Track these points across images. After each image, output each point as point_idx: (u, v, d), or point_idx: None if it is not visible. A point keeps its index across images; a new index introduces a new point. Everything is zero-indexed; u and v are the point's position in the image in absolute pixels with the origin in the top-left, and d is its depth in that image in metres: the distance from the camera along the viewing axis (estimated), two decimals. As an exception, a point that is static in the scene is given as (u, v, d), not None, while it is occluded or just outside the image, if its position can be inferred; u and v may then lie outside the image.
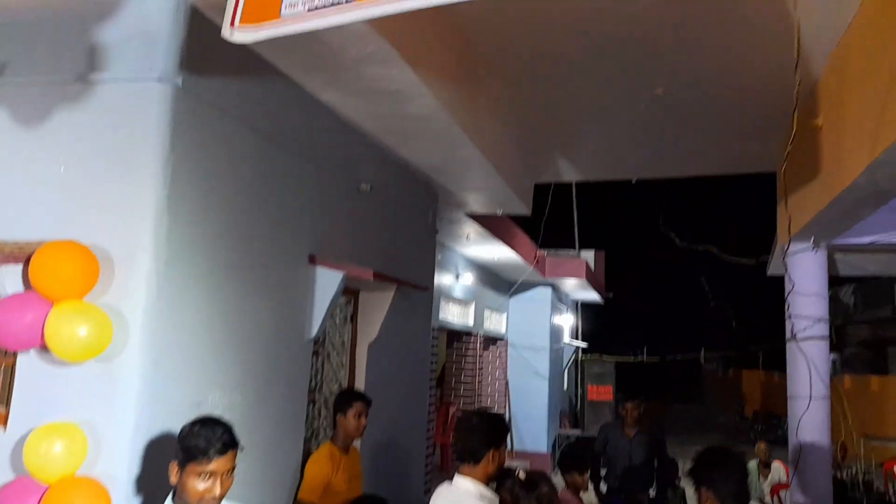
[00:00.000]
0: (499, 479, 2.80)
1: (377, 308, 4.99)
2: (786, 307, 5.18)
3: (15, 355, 2.79)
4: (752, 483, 8.66)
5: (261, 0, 2.30)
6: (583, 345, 16.14)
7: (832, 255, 5.47)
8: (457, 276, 9.24)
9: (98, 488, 2.56)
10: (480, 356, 11.51)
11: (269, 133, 3.51)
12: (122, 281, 2.73)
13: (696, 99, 4.57)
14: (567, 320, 14.75)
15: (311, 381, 4.20)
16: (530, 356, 12.53)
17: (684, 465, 3.33)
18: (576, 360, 16.12)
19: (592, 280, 13.17)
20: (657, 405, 24.75)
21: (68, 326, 2.56)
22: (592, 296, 14.82)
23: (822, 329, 5.16)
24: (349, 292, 4.88)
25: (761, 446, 9.36)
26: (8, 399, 2.78)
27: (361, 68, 3.42)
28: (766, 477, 9.05)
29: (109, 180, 2.80)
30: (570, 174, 6.84)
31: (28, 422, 2.65)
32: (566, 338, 14.74)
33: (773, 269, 6.39)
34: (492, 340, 12.12)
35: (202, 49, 2.97)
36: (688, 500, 5.64)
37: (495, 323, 11.93)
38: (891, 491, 9.55)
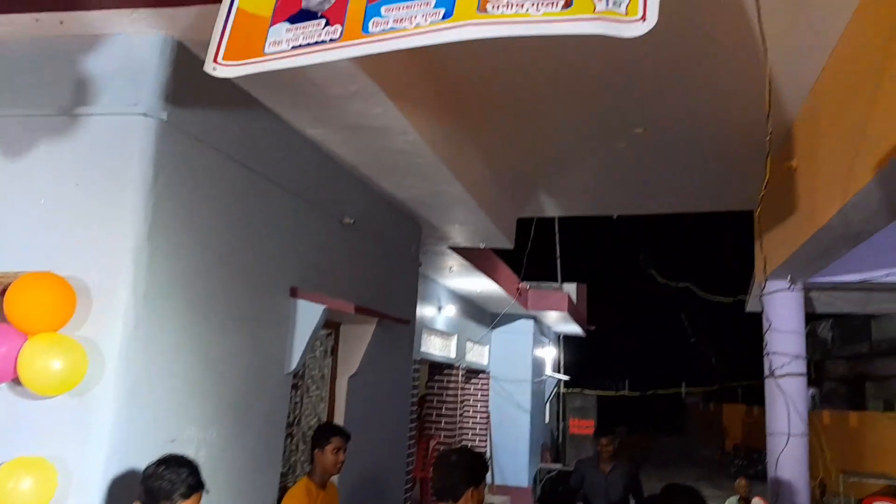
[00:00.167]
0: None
1: (358, 341, 4.97)
2: (764, 344, 5.24)
3: (-14, 388, 2.73)
4: (733, 519, 8.59)
5: (245, 37, 2.34)
6: (565, 378, 16.12)
7: (808, 293, 5.56)
8: (439, 308, 9.23)
9: (67, 527, 2.50)
10: (462, 388, 11.44)
11: (252, 166, 3.52)
12: (100, 313, 2.70)
13: (674, 139, 4.68)
14: (549, 353, 14.75)
15: (289, 415, 4.15)
16: (512, 389, 12.48)
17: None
18: (558, 394, 16.07)
19: (574, 313, 13.22)
20: (641, 438, 24.69)
21: (42, 359, 2.52)
22: (575, 329, 14.86)
23: (800, 366, 5.22)
24: (330, 325, 4.86)
25: (742, 482, 9.33)
26: (-24, 433, 2.72)
27: (346, 105, 3.47)
28: (746, 513, 9.00)
29: (90, 213, 2.79)
30: (552, 209, 6.93)
31: (-4, 457, 2.59)
32: (548, 371, 14.72)
33: (751, 306, 6.48)
34: (474, 373, 12.06)
35: (188, 84, 3.00)
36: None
37: (477, 355, 11.90)
38: (870, 528, 9.54)
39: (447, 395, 11.17)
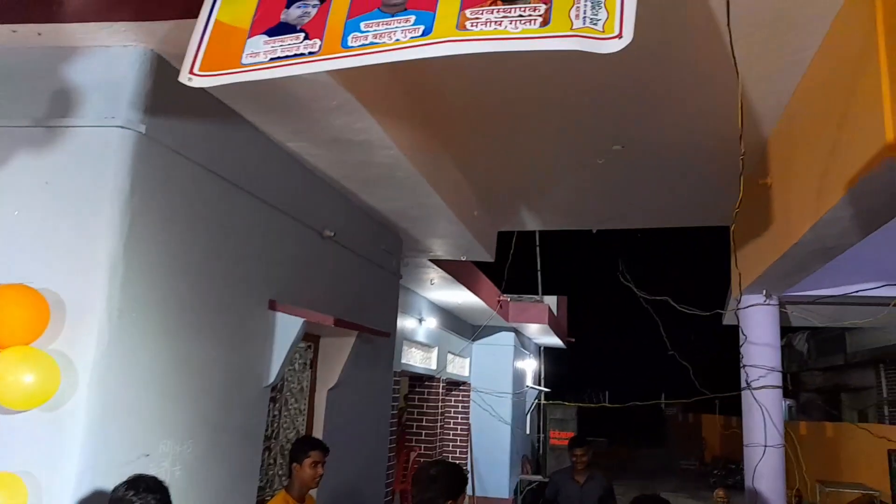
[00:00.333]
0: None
1: (338, 354, 4.95)
2: (740, 358, 5.31)
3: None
4: (712, 531, 8.65)
5: (222, 48, 2.34)
6: (545, 390, 16.15)
7: (784, 307, 5.65)
8: (420, 321, 9.22)
9: (36, 545, 2.45)
10: (443, 400, 11.41)
11: (231, 178, 3.51)
12: (73, 327, 2.67)
13: (651, 156, 4.75)
14: (530, 365, 14.78)
15: (267, 429, 4.12)
16: (493, 401, 12.47)
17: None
18: (538, 405, 16.09)
19: (555, 325, 13.28)
20: (621, 450, 24.78)
21: (14, 373, 2.48)
22: (555, 341, 14.91)
23: (776, 379, 5.29)
24: (309, 338, 4.83)
25: (720, 493, 9.40)
26: (-55, 449, 2.66)
27: (327, 119, 3.48)
28: (724, 524, 9.07)
29: (66, 225, 2.76)
30: (532, 223, 6.98)
31: (-35, 474, 2.54)
32: (529, 382, 14.74)
33: (727, 319, 6.56)
34: (455, 385, 12.05)
35: (167, 96, 2.99)
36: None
37: (458, 367, 11.89)
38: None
39: (428, 406, 11.13)
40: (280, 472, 4.50)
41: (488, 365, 12.64)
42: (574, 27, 1.92)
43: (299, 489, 3.56)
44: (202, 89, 3.16)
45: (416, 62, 2.15)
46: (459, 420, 12.20)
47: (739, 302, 5.18)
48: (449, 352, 11.02)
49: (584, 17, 1.92)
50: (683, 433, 27.83)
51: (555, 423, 14.87)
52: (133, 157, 2.83)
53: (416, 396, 11.13)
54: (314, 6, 2.34)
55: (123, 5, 2.80)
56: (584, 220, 6.86)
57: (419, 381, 10.91)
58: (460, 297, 9.38)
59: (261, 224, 3.83)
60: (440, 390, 11.12)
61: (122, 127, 2.83)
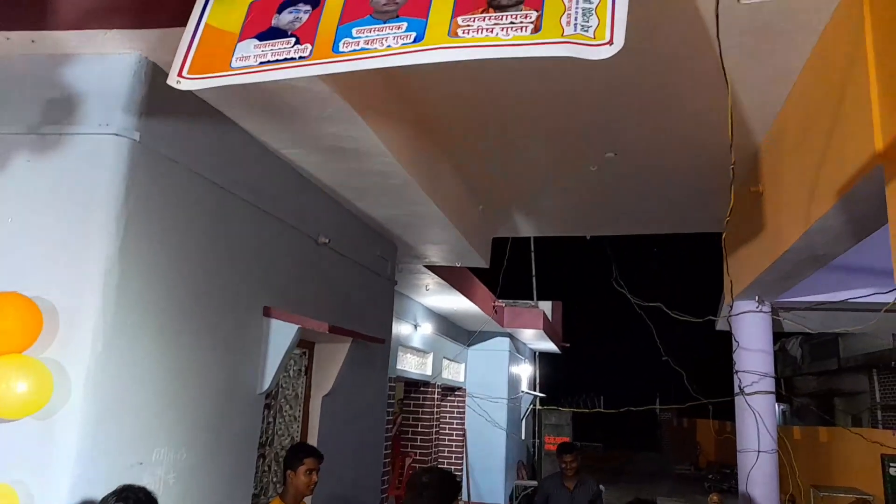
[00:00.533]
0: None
1: (333, 360, 4.94)
2: (733, 363, 5.33)
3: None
4: (706, 536, 8.66)
5: (211, 52, 2.34)
6: (541, 395, 16.15)
7: (776, 313, 5.68)
8: (415, 326, 9.22)
9: (29, 555, 2.44)
10: (438, 406, 11.40)
11: (226, 185, 3.51)
12: (67, 334, 2.66)
13: (644, 163, 4.77)
14: (525, 370, 14.78)
15: (261, 436, 4.11)
16: (488, 406, 12.46)
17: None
18: (533, 411, 16.09)
19: (550, 331, 13.29)
20: (616, 454, 24.79)
21: (6, 382, 2.47)
22: (550, 346, 14.92)
23: (769, 384, 5.31)
24: (304, 344, 4.83)
25: (714, 498, 9.42)
26: (-63, 458, 2.65)
27: (323, 127, 3.49)
28: (719, 530, 9.08)
29: (59, 232, 2.76)
30: (526, 229, 7.00)
31: (-43, 483, 2.53)
32: (524, 388, 14.74)
33: (721, 325, 6.58)
34: (450, 390, 12.04)
35: (161, 103, 3.00)
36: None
37: (454, 373, 11.88)
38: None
39: (423, 412, 11.12)
40: (274, 480, 4.49)
41: (483, 370, 12.64)
42: (565, 34, 1.94)
43: (294, 496, 3.55)
44: (196, 96, 3.20)
45: (411, 69, 2.16)
46: (455, 426, 12.19)
47: (732, 308, 5.20)
48: (444, 357, 11.02)
49: (575, 24, 1.93)
50: (678, 438, 27.85)
51: (550, 428, 14.87)
52: (127, 164, 2.83)
53: (412, 402, 11.12)
54: (306, 12, 2.35)
55: (117, 13, 2.81)
56: (578, 227, 6.88)
57: (414, 386, 10.91)
58: (455, 302, 9.38)
59: (256, 231, 3.83)
60: (435, 396, 11.11)
61: (115, 134, 2.83)
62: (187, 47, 2.38)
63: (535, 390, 15.73)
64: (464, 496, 11.60)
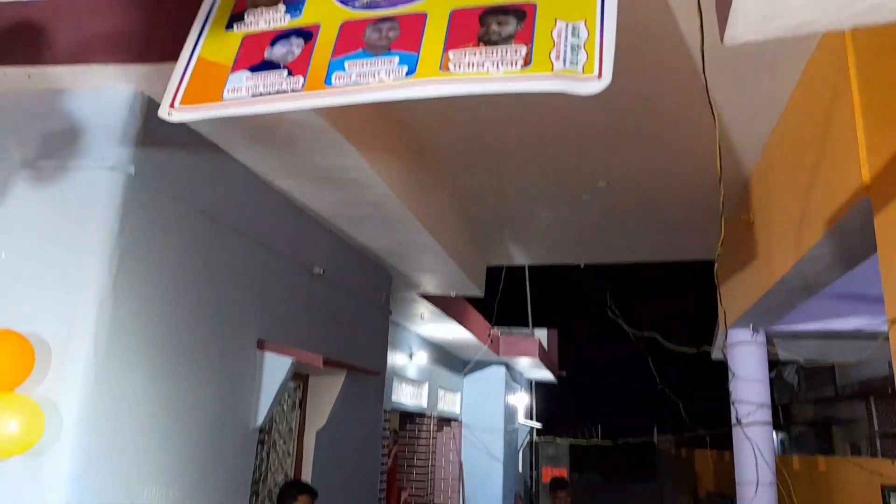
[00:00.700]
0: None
1: (327, 393, 4.90)
2: (730, 393, 5.31)
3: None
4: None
5: (203, 84, 2.36)
6: (537, 425, 16.00)
7: (771, 341, 5.67)
8: (410, 356, 9.17)
9: None
10: (434, 438, 11.28)
11: (221, 217, 3.52)
12: (59, 371, 2.64)
13: (636, 192, 4.81)
14: (521, 400, 14.67)
15: (255, 472, 4.05)
16: (484, 438, 12.34)
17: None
18: (530, 442, 15.92)
19: (546, 359, 13.23)
20: (614, 485, 24.46)
21: (-4, 420, 2.44)
22: (546, 375, 14.84)
23: (765, 414, 5.29)
24: (298, 377, 4.79)
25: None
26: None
27: (317, 159, 3.51)
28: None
29: (53, 267, 2.75)
30: (520, 258, 7.02)
31: (-58, 524, 2.48)
32: (521, 418, 14.61)
33: (716, 354, 6.58)
34: (446, 421, 11.92)
35: (157, 137, 3.01)
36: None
37: (449, 403, 11.78)
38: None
39: (419, 444, 11.00)
40: (267, 516, 4.41)
41: (479, 400, 12.55)
42: (555, 69, 1.96)
43: (287, 533, 3.49)
44: (191, 128, 3.22)
45: (405, 101, 2.18)
46: (451, 458, 12.04)
47: (727, 338, 5.20)
48: (440, 387, 10.94)
49: (565, 59, 1.96)
50: (677, 468, 27.51)
51: (547, 459, 14.71)
52: (122, 198, 2.84)
53: (407, 434, 11.00)
54: (298, 46, 2.37)
55: (113, 47, 2.84)
56: (571, 255, 6.91)
57: (410, 418, 10.80)
58: (451, 331, 9.35)
59: (250, 263, 3.83)
60: (431, 427, 11.00)
61: (110, 168, 2.85)
62: (179, 79, 2.39)
63: (531, 420, 15.58)
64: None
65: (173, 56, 2.58)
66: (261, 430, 4.09)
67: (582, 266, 7.06)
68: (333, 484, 4.89)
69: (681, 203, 4.99)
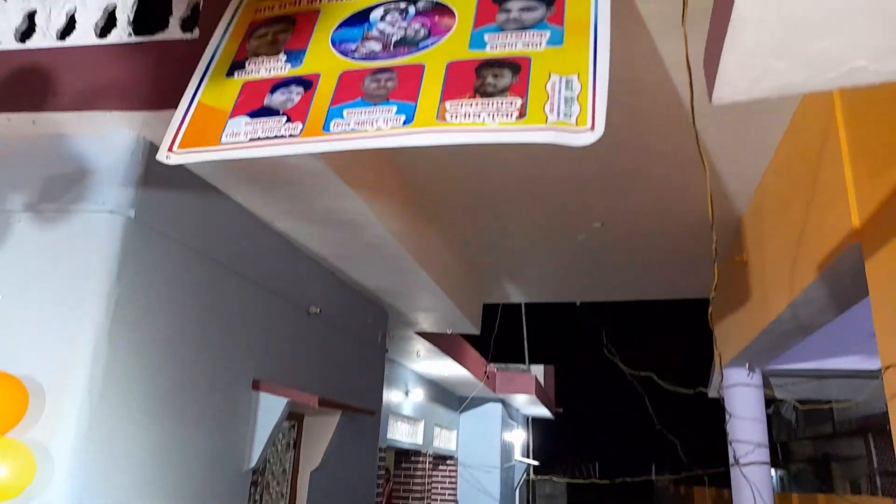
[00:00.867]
0: None
1: (322, 433, 4.86)
2: (727, 433, 5.28)
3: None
4: None
5: (202, 128, 2.39)
6: (534, 463, 15.80)
7: (768, 379, 5.67)
8: (406, 393, 9.11)
9: None
10: (430, 476, 11.12)
11: (219, 258, 3.54)
12: (52, 415, 2.62)
13: (631, 233, 4.86)
14: (518, 437, 14.52)
15: (247, 514, 3.99)
16: (481, 476, 12.18)
17: None
18: (527, 480, 15.70)
19: (542, 396, 13.14)
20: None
21: (-13, 465, 2.42)
22: (543, 412, 14.72)
23: (764, 454, 5.25)
24: (293, 417, 4.75)
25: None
26: None
27: (315, 200, 3.55)
28: None
29: (50, 310, 2.76)
30: (516, 296, 7.03)
31: (-71, 573, 2.44)
32: (517, 455, 14.43)
33: (713, 392, 6.55)
34: (442, 459, 11.77)
35: (157, 180, 3.05)
36: None
37: (445, 440, 11.65)
38: None
39: (414, 482, 10.84)
40: (259, 560, 4.33)
41: (476, 437, 12.41)
42: (549, 120, 2.01)
43: (279, 580, 3.43)
44: (191, 171, 3.27)
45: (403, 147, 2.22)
46: (447, 496, 11.86)
47: (723, 378, 5.20)
48: (436, 424, 10.83)
49: (559, 111, 2.01)
50: (676, 506, 27.11)
51: (544, 498, 14.50)
52: (121, 241, 2.86)
53: (402, 472, 10.85)
54: (298, 93, 2.42)
55: (116, 95, 2.89)
56: (567, 293, 6.93)
57: (405, 455, 10.67)
58: (447, 368, 9.31)
59: (247, 303, 3.84)
60: (427, 465, 10.86)
61: (111, 212, 2.87)
62: (179, 124, 2.43)
63: (528, 458, 15.39)
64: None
65: (175, 103, 2.64)
66: (254, 472, 4.04)
67: (578, 304, 7.08)
68: (327, 527, 4.81)
69: (675, 243, 5.03)
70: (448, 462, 12.00)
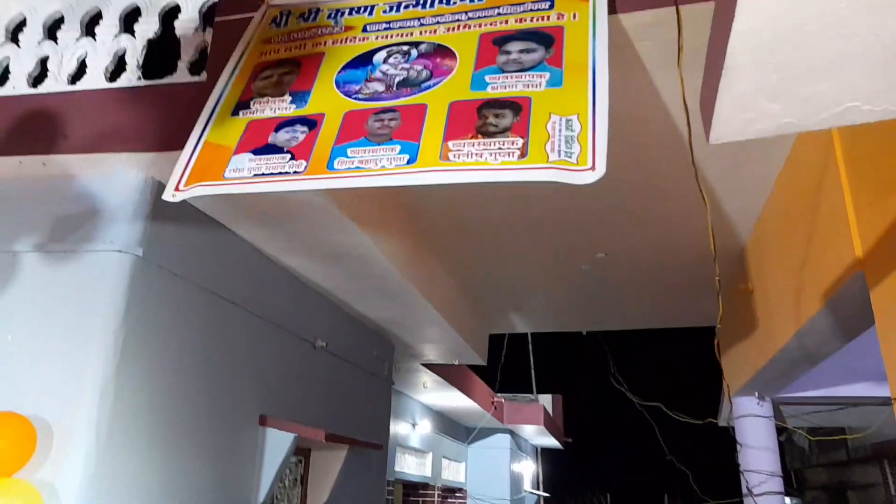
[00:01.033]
0: None
1: (329, 468, 4.82)
2: (738, 464, 5.22)
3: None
4: None
5: (206, 165, 2.43)
6: (544, 495, 15.57)
7: (778, 407, 5.61)
8: (413, 425, 9.04)
9: None
10: (438, 509, 10.97)
11: (226, 295, 3.56)
12: (60, 455, 2.62)
13: (635, 262, 4.87)
14: (527, 468, 14.33)
15: (254, 553, 3.95)
16: (490, 508, 12.01)
17: None
18: (537, 512, 15.47)
19: (551, 426, 13.01)
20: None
21: (-5, 508, 2.42)
22: (552, 442, 14.55)
23: (777, 484, 5.18)
24: (300, 452, 4.73)
25: None
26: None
27: (321, 236, 3.59)
28: None
29: (58, 349, 2.78)
30: (522, 326, 7.02)
31: None
32: (527, 486, 14.23)
33: (723, 421, 6.48)
34: (450, 491, 11.62)
35: (165, 218, 3.09)
36: None
37: (453, 472, 11.52)
38: None
39: (422, 517, 10.69)
40: None
41: (484, 469, 12.27)
42: (550, 159, 2.03)
43: None
44: (198, 209, 3.31)
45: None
46: (456, 530, 11.69)
47: (732, 407, 5.15)
48: (444, 457, 10.72)
49: (559, 151, 2.03)
50: (690, 536, 26.56)
51: (555, 530, 14.23)
52: (129, 280, 2.89)
53: (411, 506, 10.71)
54: (303, 132, 2.46)
55: (126, 137, 2.95)
56: (572, 323, 6.92)
57: (413, 489, 10.53)
58: (454, 399, 9.25)
59: (254, 338, 3.85)
60: (436, 498, 10.71)
61: (119, 251, 2.91)
62: (185, 163, 2.47)
63: (538, 489, 15.17)
64: None
65: (182, 144, 2.69)
66: (261, 510, 4.00)
67: (584, 333, 7.06)
68: (335, 564, 4.75)
69: (679, 272, 5.03)
70: (457, 494, 11.83)
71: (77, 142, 2.96)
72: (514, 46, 2.32)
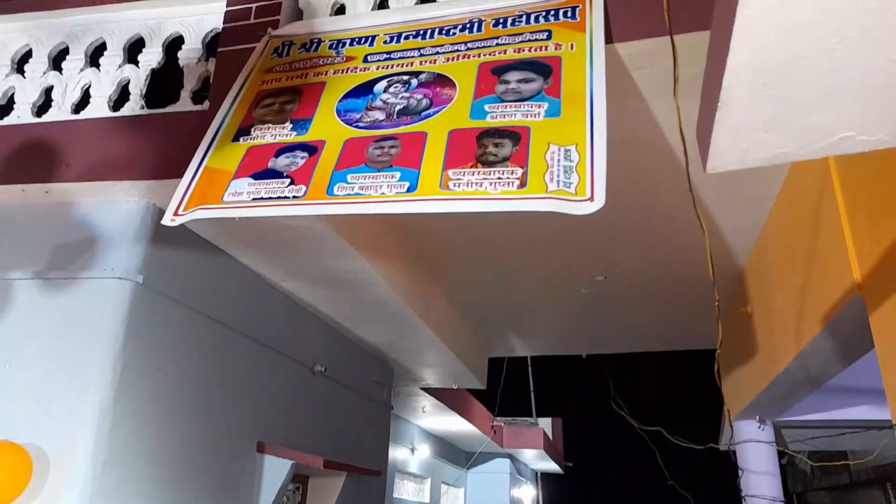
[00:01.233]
0: None
1: (327, 495, 4.78)
2: (740, 489, 5.18)
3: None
4: None
5: (205, 189, 2.43)
6: (545, 520, 15.40)
7: (779, 431, 5.58)
8: (412, 450, 8.97)
9: None
10: (437, 536, 10.83)
11: (224, 320, 3.56)
12: (56, 484, 2.60)
13: (634, 286, 4.88)
14: (527, 493, 14.18)
15: (251, 583, 3.89)
16: (490, 535, 11.86)
17: None
18: (538, 538, 15.27)
19: (551, 450, 12.90)
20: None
21: (-9, 539, 2.40)
22: (552, 466, 14.42)
23: (780, 510, 5.13)
24: (298, 478, 4.69)
25: None
26: None
27: (320, 261, 3.60)
28: None
29: (57, 377, 2.77)
30: (522, 349, 7.01)
31: None
32: (527, 512, 14.08)
33: (724, 445, 6.43)
34: (449, 518, 11.49)
35: (165, 245, 3.10)
36: None
37: (452, 498, 11.40)
38: None
39: (421, 544, 10.54)
40: None
41: (484, 494, 12.15)
42: (549, 189, 2.04)
43: None
44: (199, 235, 3.33)
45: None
46: (455, 557, 11.53)
47: (733, 432, 5.12)
48: (443, 482, 10.61)
49: (558, 181, 2.04)
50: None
51: (556, 557, 14.04)
52: (129, 306, 2.89)
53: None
54: (303, 158, 2.47)
55: (128, 165, 2.97)
56: (572, 346, 6.90)
57: (412, 515, 10.41)
58: (453, 423, 9.18)
59: (252, 363, 3.84)
60: (434, 525, 10.58)
61: (119, 278, 2.91)
62: (185, 189, 2.47)
63: (538, 515, 15.01)
64: None
65: (184, 173, 2.71)
66: (259, 538, 3.96)
67: (584, 356, 7.04)
68: None
69: (678, 295, 5.04)
70: (456, 521, 11.70)
71: (80, 170, 2.97)
72: (513, 76, 2.35)
